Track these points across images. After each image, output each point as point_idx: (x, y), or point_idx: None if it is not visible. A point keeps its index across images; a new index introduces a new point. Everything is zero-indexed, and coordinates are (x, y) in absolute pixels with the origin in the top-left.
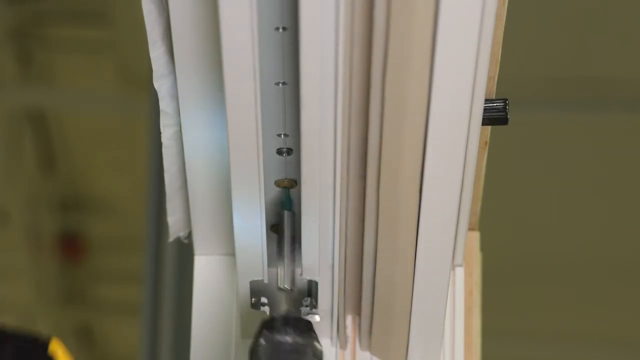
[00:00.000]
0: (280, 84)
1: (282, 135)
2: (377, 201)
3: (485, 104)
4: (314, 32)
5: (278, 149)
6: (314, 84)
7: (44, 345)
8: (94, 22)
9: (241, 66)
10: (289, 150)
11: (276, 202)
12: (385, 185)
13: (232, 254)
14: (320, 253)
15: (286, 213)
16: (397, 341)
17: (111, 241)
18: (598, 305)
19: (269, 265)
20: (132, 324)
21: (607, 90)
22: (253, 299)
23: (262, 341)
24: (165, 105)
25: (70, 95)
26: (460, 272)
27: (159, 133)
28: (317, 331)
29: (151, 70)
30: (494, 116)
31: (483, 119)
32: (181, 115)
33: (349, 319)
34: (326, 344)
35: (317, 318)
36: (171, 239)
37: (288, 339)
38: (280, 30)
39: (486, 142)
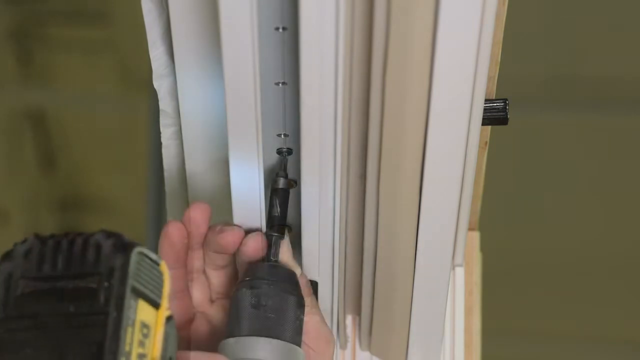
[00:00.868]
0: (280, 84)
1: (282, 135)
2: (377, 201)
3: (485, 104)
4: (314, 32)
5: (278, 149)
6: (314, 84)
7: (156, 262)
8: (94, 22)
9: (241, 66)
10: (289, 150)
11: None
12: (385, 185)
13: None
14: (320, 253)
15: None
16: (397, 341)
17: None
18: (598, 306)
19: None
20: None
21: (607, 91)
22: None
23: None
24: (165, 104)
25: (70, 95)
26: (460, 272)
27: (159, 133)
28: None
29: (151, 70)
30: (494, 116)
31: (483, 119)
32: (181, 115)
33: (349, 319)
34: None
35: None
36: None
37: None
38: (280, 30)
39: (486, 142)
